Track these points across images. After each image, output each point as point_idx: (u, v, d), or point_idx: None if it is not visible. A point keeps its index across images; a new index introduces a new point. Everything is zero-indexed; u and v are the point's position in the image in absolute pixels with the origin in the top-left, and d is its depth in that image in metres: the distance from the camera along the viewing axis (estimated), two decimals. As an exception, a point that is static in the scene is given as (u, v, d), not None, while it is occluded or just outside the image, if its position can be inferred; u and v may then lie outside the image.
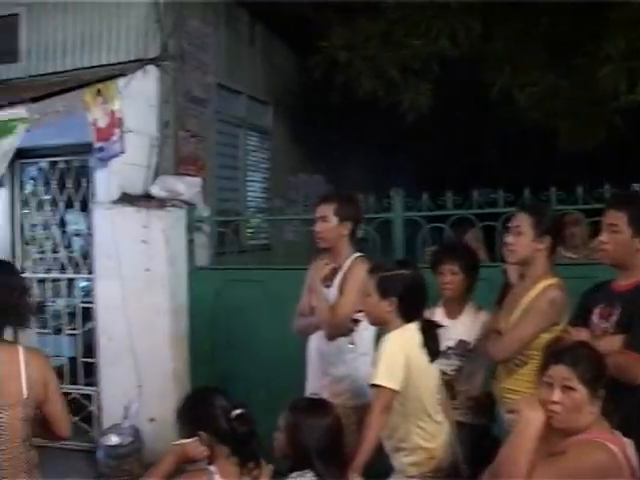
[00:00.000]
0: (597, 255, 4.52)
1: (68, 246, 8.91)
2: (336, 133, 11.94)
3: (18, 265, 8.51)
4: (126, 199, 7.77)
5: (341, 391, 5.13)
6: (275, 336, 7.01)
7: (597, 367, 3.40)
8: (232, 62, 9.83)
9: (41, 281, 8.69)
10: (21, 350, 3.73)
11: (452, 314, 5.32)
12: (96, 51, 8.51)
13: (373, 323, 4.63)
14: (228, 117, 9.81)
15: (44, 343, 8.32)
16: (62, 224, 8.95)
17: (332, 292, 5.14)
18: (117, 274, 7.63)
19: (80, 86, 7.40)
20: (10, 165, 7.52)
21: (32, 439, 3.85)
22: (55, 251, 8.69)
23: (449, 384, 5.05)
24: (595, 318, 4.17)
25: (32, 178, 8.90)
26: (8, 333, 3.84)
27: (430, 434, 4.33)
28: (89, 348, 8.21)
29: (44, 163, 8.59)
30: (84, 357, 8.33)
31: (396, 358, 4.21)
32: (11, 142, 6.64)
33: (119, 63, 8.31)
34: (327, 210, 5.17)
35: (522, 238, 4.52)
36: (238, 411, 3.50)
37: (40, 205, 8.70)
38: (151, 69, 8.17)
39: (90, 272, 8.18)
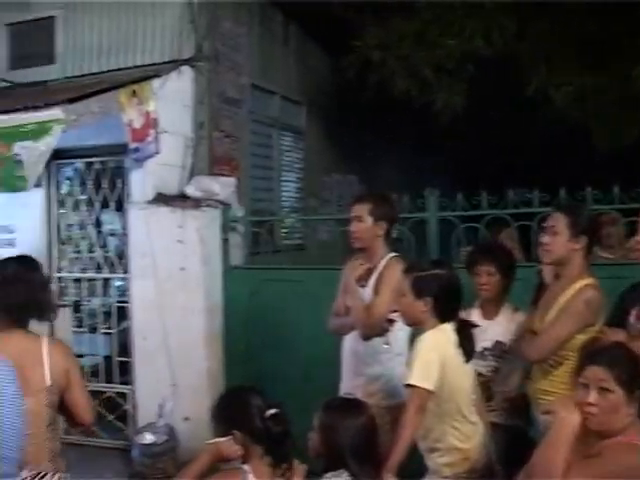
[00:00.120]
0: (633, 255, 4.49)
1: (104, 246, 8.99)
2: (369, 133, 11.92)
3: (54, 264, 8.60)
4: (161, 199, 7.81)
5: (375, 391, 5.12)
6: (309, 336, 7.02)
7: (634, 368, 3.37)
8: (266, 62, 9.85)
9: (77, 281, 8.75)
10: (44, 341, 3.92)
11: (488, 315, 5.29)
12: (131, 52, 8.57)
13: (408, 323, 4.62)
14: (262, 117, 9.84)
15: (80, 342, 8.40)
16: (98, 224, 9.01)
17: (367, 292, 5.13)
18: (152, 274, 7.68)
19: (115, 87, 7.45)
20: (47, 166, 7.55)
21: (57, 426, 4.03)
22: (91, 251, 8.74)
23: (485, 385, 5.03)
24: (632, 319, 4.14)
25: (68, 178, 8.96)
26: (34, 326, 4.03)
27: (465, 435, 4.31)
28: (124, 347, 8.27)
29: (80, 164, 8.63)
30: (119, 356, 8.38)
31: (431, 358, 4.19)
32: (48, 143, 6.70)
33: (154, 64, 8.36)
34: (362, 210, 5.16)
35: (558, 238, 4.48)
36: (273, 411, 3.49)
37: (76, 205, 8.74)
38: (186, 70, 8.22)
39: (125, 272, 8.23)
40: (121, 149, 7.79)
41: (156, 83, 7.78)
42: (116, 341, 8.45)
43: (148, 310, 7.75)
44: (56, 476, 3.86)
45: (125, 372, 8.26)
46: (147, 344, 7.81)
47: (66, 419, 4.16)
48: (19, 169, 6.77)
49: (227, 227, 7.89)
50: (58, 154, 7.60)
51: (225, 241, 7.87)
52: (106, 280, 8.76)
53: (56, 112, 6.73)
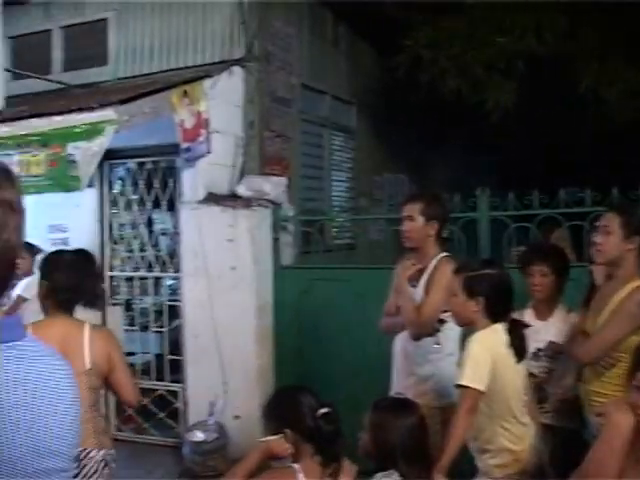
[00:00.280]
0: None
1: (155, 245, 9.06)
2: (419, 132, 11.88)
3: (107, 263, 8.69)
4: (212, 199, 7.85)
5: (426, 391, 5.11)
6: (360, 335, 7.02)
7: (689, 370, 3.33)
8: (316, 62, 9.86)
9: (129, 279, 8.85)
10: (87, 327, 4.20)
11: (542, 315, 5.25)
12: (182, 53, 8.63)
13: (459, 323, 4.60)
14: (312, 117, 9.86)
15: (131, 340, 8.49)
16: (149, 223, 9.10)
17: (418, 292, 5.13)
18: (203, 272, 7.72)
19: (167, 88, 7.49)
20: (99, 166, 7.64)
21: (98, 407, 4.39)
22: (143, 250, 8.82)
23: (539, 386, 5.00)
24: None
25: (120, 178, 9.05)
26: (80, 312, 4.35)
27: (516, 436, 4.28)
28: (175, 345, 8.33)
29: (132, 164, 8.72)
30: (170, 354, 8.46)
31: (482, 359, 4.17)
32: (100, 143, 6.75)
33: (205, 64, 8.42)
34: (413, 210, 5.15)
35: (611, 238, 4.43)
36: (324, 410, 3.48)
37: (128, 205, 8.84)
38: (236, 70, 8.25)
39: (177, 271, 8.30)
40: (172, 149, 7.84)
41: (207, 83, 7.82)
42: (167, 339, 8.53)
43: (199, 309, 7.79)
44: (101, 452, 4.12)
45: (176, 370, 8.32)
46: (198, 342, 7.85)
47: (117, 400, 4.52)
48: (72, 169, 6.83)
49: (278, 226, 7.92)
50: (110, 154, 7.66)
51: (276, 240, 7.89)
52: (157, 279, 8.85)
53: (109, 113, 6.78)
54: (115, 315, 8.52)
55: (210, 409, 7.52)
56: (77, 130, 6.83)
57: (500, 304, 4.31)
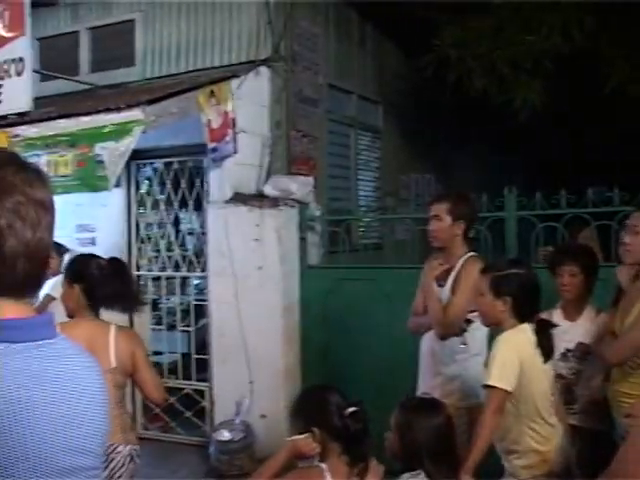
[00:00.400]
0: None
1: (182, 245, 9.10)
2: (446, 132, 11.87)
3: (134, 263, 8.73)
4: (239, 198, 7.86)
5: (452, 391, 5.11)
6: (386, 335, 7.02)
7: None
8: (342, 62, 9.86)
9: (156, 279, 8.89)
10: (112, 328, 4.42)
11: (571, 316, 5.22)
12: (209, 53, 8.66)
13: (486, 323, 4.59)
14: (339, 117, 9.86)
15: (158, 339, 8.53)
16: (176, 223, 9.14)
17: (445, 291, 5.12)
18: (230, 272, 7.74)
19: (194, 88, 7.52)
20: (126, 166, 7.68)
21: (124, 404, 4.62)
22: (169, 250, 8.85)
23: (567, 387, 4.98)
24: None
25: (147, 178, 9.09)
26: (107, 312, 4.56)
27: (543, 437, 4.26)
28: (202, 344, 8.35)
29: (159, 164, 8.76)
30: (197, 353, 8.48)
31: (510, 359, 4.16)
32: (127, 143, 6.78)
33: (232, 65, 8.44)
34: (441, 209, 5.15)
35: (640, 238, 4.40)
36: (352, 409, 3.48)
37: (155, 205, 8.87)
38: (263, 70, 8.26)
39: (203, 270, 8.32)
40: (199, 149, 7.87)
41: (234, 83, 7.84)
42: (194, 339, 8.55)
43: (226, 308, 7.81)
44: (127, 447, 4.31)
45: (203, 369, 8.34)
46: (225, 342, 7.87)
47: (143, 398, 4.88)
48: (100, 169, 6.87)
49: (304, 226, 7.92)
50: (138, 154, 7.69)
51: (302, 240, 7.90)
52: (184, 278, 8.89)
53: (136, 113, 6.82)
54: (142, 314, 8.53)
55: (236, 408, 7.54)
56: (105, 130, 6.88)
57: (527, 304, 4.29)
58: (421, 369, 5.41)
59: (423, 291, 5.36)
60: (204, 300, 8.31)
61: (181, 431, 8.46)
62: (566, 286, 5.17)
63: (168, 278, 8.83)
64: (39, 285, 1.68)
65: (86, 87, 9.33)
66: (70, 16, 9.84)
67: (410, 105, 11.02)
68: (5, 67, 7.99)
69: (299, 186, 7.88)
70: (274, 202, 7.77)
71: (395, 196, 10.22)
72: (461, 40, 8.91)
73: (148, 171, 9.06)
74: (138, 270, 8.83)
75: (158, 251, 8.88)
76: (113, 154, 6.78)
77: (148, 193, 8.95)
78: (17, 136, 7.26)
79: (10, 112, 7.73)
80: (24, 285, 1.62)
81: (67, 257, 7.62)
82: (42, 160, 6.99)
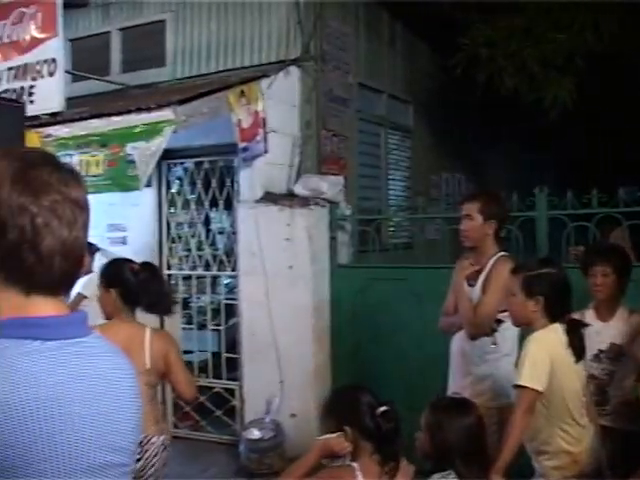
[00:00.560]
0: None
1: (212, 244, 9.12)
2: (477, 131, 11.83)
3: (164, 262, 8.77)
4: (269, 198, 7.88)
5: (483, 391, 5.08)
6: (417, 334, 7.01)
7: None
8: (372, 61, 9.86)
9: (186, 278, 8.91)
10: (147, 330, 4.65)
11: (603, 317, 5.19)
12: (239, 53, 8.68)
13: (517, 323, 4.56)
14: (369, 116, 9.85)
15: (189, 338, 8.56)
16: (207, 223, 9.18)
17: (476, 291, 5.10)
18: (260, 271, 7.75)
19: (224, 88, 7.54)
20: (157, 166, 7.72)
21: (156, 401, 4.91)
22: (200, 249, 8.87)
23: (600, 388, 4.95)
24: None
25: (178, 178, 9.13)
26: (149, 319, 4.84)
27: (574, 438, 4.23)
28: (232, 343, 8.37)
29: (190, 163, 8.79)
30: (227, 352, 8.50)
31: (541, 359, 4.14)
32: (158, 143, 6.81)
33: (262, 65, 8.46)
34: (472, 208, 5.13)
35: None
36: (384, 408, 3.48)
37: (186, 204, 8.90)
38: (293, 70, 8.28)
39: (234, 269, 8.34)
40: (230, 149, 7.88)
41: (264, 83, 7.86)
42: (224, 338, 8.58)
43: (256, 307, 7.82)
44: (160, 438, 4.57)
45: (233, 368, 8.36)
46: (255, 341, 7.89)
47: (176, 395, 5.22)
48: (131, 169, 6.91)
49: (335, 225, 7.92)
50: (168, 154, 7.73)
51: (333, 239, 7.90)
52: (215, 278, 8.92)
53: (166, 113, 6.85)
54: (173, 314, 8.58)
55: (266, 407, 7.56)
56: (136, 130, 6.92)
57: (559, 304, 4.27)
58: (451, 369, 5.39)
59: (454, 291, 5.34)
60: (234, 299, 8.32)
61: (211, 430, 8.49)
62: (598, 286, 5.14)
63: (199, 277, 8.86)
64: (73, 283, 1.70)
65: (117, 87, 9.39)
66: (101, 17, 9.91)
67: (440, 104, 11.00)
68: (37, 68, 8.06)
69: (329, 185, 7.88)
70: (304, 201, 7.78)
71: (425, 195, 10.19)
72: (491, 39, 8.88)
73: (179, 171, 9.09)
74: (169, 269, 8.87)
75: (189, 250, 8.91)
76: (144, 154, 6.82)
77: (179, 193, 8.98)
78: (49, 136, 7.32)
79: (42, 112, 7.78)
80: (59, 283, 1.64)
81: (98, 256, 7.68)
82: (74, 160, 7.04)
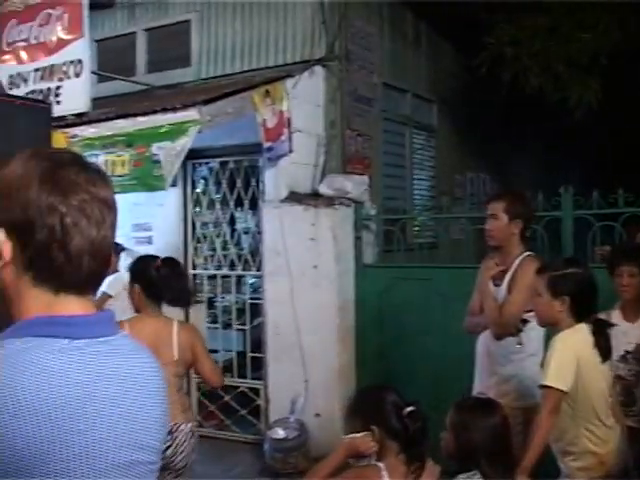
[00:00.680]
0: None
1: (237, 244, 9.15)
2: (501, 130, 11.79)
3: (190, 262, 8.80)
4: (294, 198, 7.89)
5: (508, 391, 5.06)
6: (441, 334, 6.99)
7: None
8: (397, 61, 9.85)
9: (212, 277, 8.94)
10: (175, 323, 4.88)
11: (630, 317, 5.16)
12: (264, 53, 8.70)
13: (543, 323, 4.55)
14: (394, 116, 9.84)
15: (214, 337, 8.58)
16: (232, 222, 9.20)
17: (501, 291, 5.09)
18: (285, 271, 7.76)
19: (249, 88, 7.55)
20: (182, 165, 7.75)
21: (183, 390, 5.09)
22: (225, 248, 8.90)
23: (627, 389, 4.92)
24: None
25: (203, 178, 9.17)
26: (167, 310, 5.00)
27: (600, 438, 4.21)
28: (257, 343, 8.38)
29: (215, 163, 8.82)
30: (252, 352, 8.52)
31: (566, 359, 4.12)
32: (184, 143, 6.84)
33: (286, 64, 8.47)
34: (497, 208, 5.11)
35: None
36: (411, 408, 3.47)
37: (211, 204, 8.94)
38: (318, 69, 8.29)
39: (259, 269, 8.35)
40: (255, 148, 7.90)
41: (289, 83, 7.88)
42: (249, 337, 8.59)
43: (281, 307, 7.83)
44: (188, 425, 4.80)
45: (258, 368, 8.37)
46: (280, 340, 7.90)
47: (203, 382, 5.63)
48: (157, 169, 6.95)
49: (360, 225, 7.92)
50: (193, 154, 7.74)
51: (357, 239, 7.90)
52: (240, 277, 8.94)
53: (192, 113, 6.87)
54: (198, 312, 8.62)
55: (291, 407, 7.56)
56: (161, 130, 6.95)
57: (585, 304, 4.25)
58: (477, 369, 5.37)
59: (479, 291, 5.32)
60: (259, 299, 8.33)
61: (236, 429, 8.51)
62: (625, 287, 5.12)
63: (224, 277, 8.88)
64: (101, 283, 1.71)
65: (142, 88, 9.43)
66: (127, 17, 9.97)
67: (464, 103, 10.98)
68: (64, 69, 8.11)
69: (354, 185, 7.88)
70: (329, 201, 7.78)
71: (450, 195, 10.17)
72: (516, 38, 8.85)
73: (204, 170, 9.13)
74: (194, 269, 8.90)
75: (214, 250, 8.94)
76: (169, 154, 6.85)
77: (204, 192, 9.01)
78: (75, 136, 7.36)
79: (69, 113, 7.83)
80: (88, 282, 1.65)
81: (123, 256, 7.72)
82: (100, 160, 7.09)
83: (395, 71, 9.79)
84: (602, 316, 4.52)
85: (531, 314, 4.72)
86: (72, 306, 1.61)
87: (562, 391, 4.07)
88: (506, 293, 5.06)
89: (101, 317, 1.67)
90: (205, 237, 9.01)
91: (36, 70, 8.40)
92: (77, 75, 8.07)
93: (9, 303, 1.62)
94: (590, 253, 6.81)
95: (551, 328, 4.46)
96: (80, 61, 8.05)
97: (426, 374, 7.19)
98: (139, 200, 8.16)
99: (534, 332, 4.97)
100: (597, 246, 6.79)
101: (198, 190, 9.06)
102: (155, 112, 7.09)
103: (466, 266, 6.52)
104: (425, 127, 10.70)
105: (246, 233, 9.47)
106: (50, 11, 8.33)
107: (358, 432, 3.50)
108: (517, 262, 5.08)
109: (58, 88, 8.17)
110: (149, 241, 8.80)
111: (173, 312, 5.18)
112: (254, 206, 8.60)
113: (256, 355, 8.41)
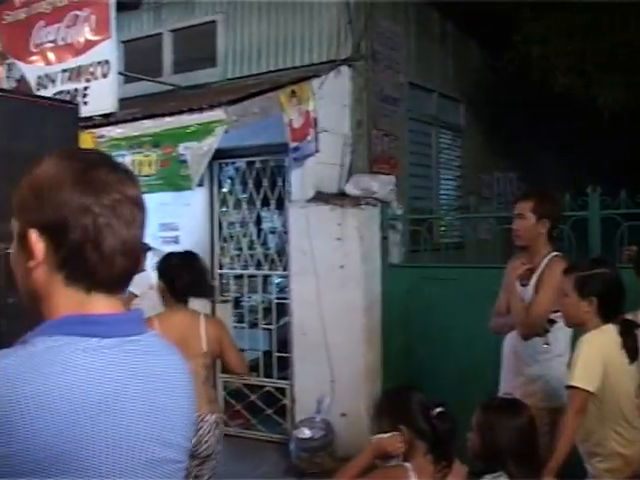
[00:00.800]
0: None
1: (264, 243, 9.19)
2: (528, 129, 11.73)
3: (216, 261, 8.83)
4: (321, 197, 7.90)
5: (534, 392, 5.03)
6: (468, 334, 6.97)
7: None
8: (423, 60, 9.85)
9: (238, 277, 8.96)
10: (202, 317, 5.08)
11: None
12: (290, 53, 8.71)
13: (570, 324, 4.52)
14: (420, 115, 9.84)
15: (240, 337, 8.57)
16: (258, 222, 9.21)
17: (528, 291, 5.06)
18: (312, 271, 7.77)
19: (275, 88, 7.57)
20: (209, 165, 7.77)
21: (210, 382, 5.32)
22: (251, 248, 8.93)
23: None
24: None
25: (229, 178, 9.20)
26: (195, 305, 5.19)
27: (627, 440, 4.17)
28: (283, 343, 8.40)
29: (241, 163, 8.84)
30: (279, 351, 8.53)
31: (593, 359, 4.10)
32: (210, 143, 6.87)
33: (312, 64, 8.48)
34: (525, 208, 5.09)
35: None
36: (439, 409, 3.47)
37: (237, 204, 8.96)
38: (344, 69, 8.29)
39: (285, 269, 8.37)
40: (281, 148, 7.91)
41: (315, 83, 7.88)
42: (275, 337, 8.60)
43: (307, 307, 7.84)
44: (213, 416, 4.93)
45: (284, 367, 8.40)
46: (306, 340, 7.91)
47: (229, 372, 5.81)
48: (183, 169, 6.98)
49: (386, 225, 7.92)
50: (220, 154, 7.74)
51: (384, 239, 7.90)
52: (266, 277, 8.95)
53: (218, 113, 6.90)
54: (224, 312, 8.65)
55: (317, 406, 7.57)
56: (188, 130, 6.98)
57: (612, 304, 4.22)
58: (503, 369, 5.35)
59: (506, 291, 5.30)
60: (286, 298, 8.35)
61: (262, 428, 8.53)
62: (653, 287, 5.08)
63: (250, 276, 8.90)
64: (130, 282, 1.72)
65: (169, 88, 9.47)
66: (153, 19, 10.01)
67: (491, 103, 10.93)
68: (91, 70, 8.17)
69: (380, 185, 7.88)
70: (355, 201, 7.78)
71: (477, 195, 10.15)
72: (544, 37, 8.81)
73: (230, 170, 9.16)
74: (221, 268, 8.94)
75: (240, 250, 8.96)
76: (196, 154, 6.88)
77: (230, 192, 9.04)
78: (102, 137, 7.41)
79: (96, 113, 7.88)
80: (119, 282, 1.66)
81: (150, 255, 7.75)
82: (126, 160, 7.13)
83: (421, 70, 9.78)
84: (629, 317, 4.49)
85: (558, 314, 4.69)
86: (102, 305, 1.62)
87: (589, 392, 4.05)
88: (533, 293, 5.04)
89: (130, 316, 1.69)
90: (232, 237, 9.04)
91: (64, 71, 8.47)
92: (104, 76, 8.13)
93: (38, 302, 1.64)
94: (617, 253, 6.76)
95: (578, 329, 4.44)
96: (107, 62, 8.10)
97: (452, 374, 7.17)
98: (166, 200, 8.19)
99: (561, 332, 4.94)
100: (624, 246, 6.74)
101: (225, 190, 9.09)
102: (182, 112, 7.13)
103: (492, 266, 6.50)
104: (451, 126, 10.69)
105: (272, 233, 9.50)
106: (77, 13, 8.39)
107: (385, 432, 3.50)
108: (544, 262, 5.06)
109: (85, 89, 8.23)
110: (176, 241, 8.84)
111: (201, 308, 5.42)
112: (280, 206, 8.61)
113: (282, 355, 8.42)
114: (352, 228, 7.65)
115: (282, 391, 8.44)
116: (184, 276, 4.98)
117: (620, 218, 6.73)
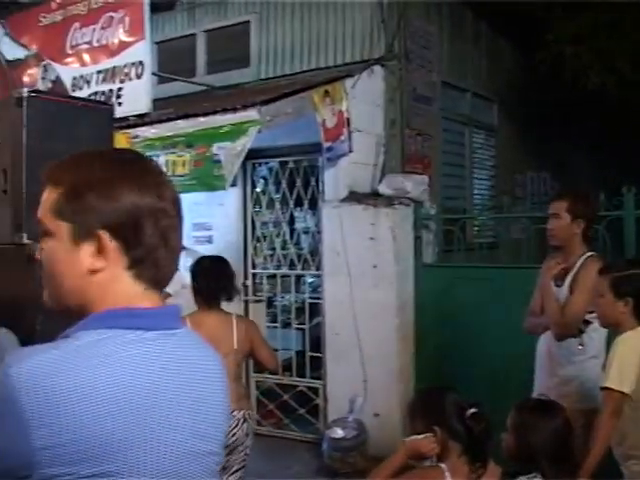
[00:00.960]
0: None
1: (297, 243, 9.21)
2: (562, 129, 11.67)
3: (249, 261, 8.86)
4: (354, 197, 7.90)
5: (569, 393, 5.00)
6: (502, 335, 6.93)
7: None
8: (456, 60, 9.82)
9: (271, 277, 8.98)
10: (234, 316, 5.28)
11: None
12: (323, 53, 8.72)
13: (605, 324, 4.50)
14: (453, 115, 9.81)
15: (273, 336, 8.60)
16: (291, 222, 9.22)
17: (563, 291, 5.04)
18: (345, 271, 7.77)
19: (308, 88, 7.58)
20: (242, 165, 7.80)
21: (241, 379, 5.66)
22: (284, 248, 8.94)
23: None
24: None
25: (263, 177, 9.23)
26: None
27: (664, 443, 4.15)
28: (316, 342, 8.40)
29: (274, 163, 8.87)
30: (311, 351, 8.53)
31: (629, 361, 4.06)
32: (244, 143, 6.89)
33: (346, 64, 8.49)
34: (560, 207, 5.06)
35: None
36: (473, 410, 3.46)
37: (270, 203, 8.99)
38: (377, 69, 8.29)
39: (318, 269, 8.37)
40: (314, 148, 7.93)
41: (348, 83, 7.89)
42: (308, 337, 8.61)
43: (340, 307, 7.84)
44: (241, 412, 5.06)
45: (317, 367, 8.40)
46: (339, 340, 7.91)
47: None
48: (217, 169, 7.01)
49: (419, 225, 7.90)
50: (253, 154, 7.77)
51: (417, 239, 7.88)
52: (299, 277, 8.97)
53: (251, 113, 6.92)
54: (257, 311, 8.69)
55: (350, 406, 7.56)
56: (221, 131, 7.01)
57: (649, 305, 4.19)
58: (537, 370, 5.32)
59: (540, 291, 5.27)
60: (319, 298, 8.36)
61: (294, 428, 8.54)
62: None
63: (283, 276, 8.92)
64: (172, 277, 1.75)
65: (202, 88, 9.52)
66: (187, 19, 10.06)
67: (524, 102, 10.89)
68: (126, 70, 8.24)
69: (414, 185, 7.86)
70: (389, 201, 7.77)
71: (510, 195, 10.10)
72: (577, 36, 8.76)
73: (264, 170, 9.19)
74: (254, 268, 8.96)
75: (273, 249, 8.98)
76: (230, 154, 6.91)
77: (264, 192, 9.07)
78: (137, 137, 7.46)
79: (130, 114, 7.94)
80: (168, 278, 1.70)
81: (183, 254, 7.77)
82: (160, 160, 7.17)
83: (454, 70, 9.76)
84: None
85: (593, 315, 4.67)
86: (146, 299, 1.66)
87: (624, 393, 4.02)
88: (568, 293, 5.01)
89: (169, 310, 1.72)
90: (265, 236, 9.06)
91: (98, 72, 8.55)
92: (138, 77, 8.19)
93: (81, 301, 1.65)
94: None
95: (613, 329, 4.41)
96: (141, 63, 8.16)
97: (485, 374, 7.13)
98: (199, 200, 8.23)
99: (596, 333, 4.91)
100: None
101: (258, 190, 9.12)
102: (215, 113, 7.16)
103: (526, 266, 6.47)
104: (485, 126, 10.65)
105: (306, 233, 9.51)
106: (112, 14, 8.46)
107: (419, 433, 3.50)
108: (579, 262, 5.03)
109: (120, 90, 8.30)
110: (209, 240, 8.88)
111: (233, 309, 5.55)
112: (313, 206, 8.61)
113: (315, 354, 8.43)
114: (385, 228, 7.64)
115: (315, 391, 8.45)
116: (212, 281, 5.17)
117: (656, 218, 6.68)
